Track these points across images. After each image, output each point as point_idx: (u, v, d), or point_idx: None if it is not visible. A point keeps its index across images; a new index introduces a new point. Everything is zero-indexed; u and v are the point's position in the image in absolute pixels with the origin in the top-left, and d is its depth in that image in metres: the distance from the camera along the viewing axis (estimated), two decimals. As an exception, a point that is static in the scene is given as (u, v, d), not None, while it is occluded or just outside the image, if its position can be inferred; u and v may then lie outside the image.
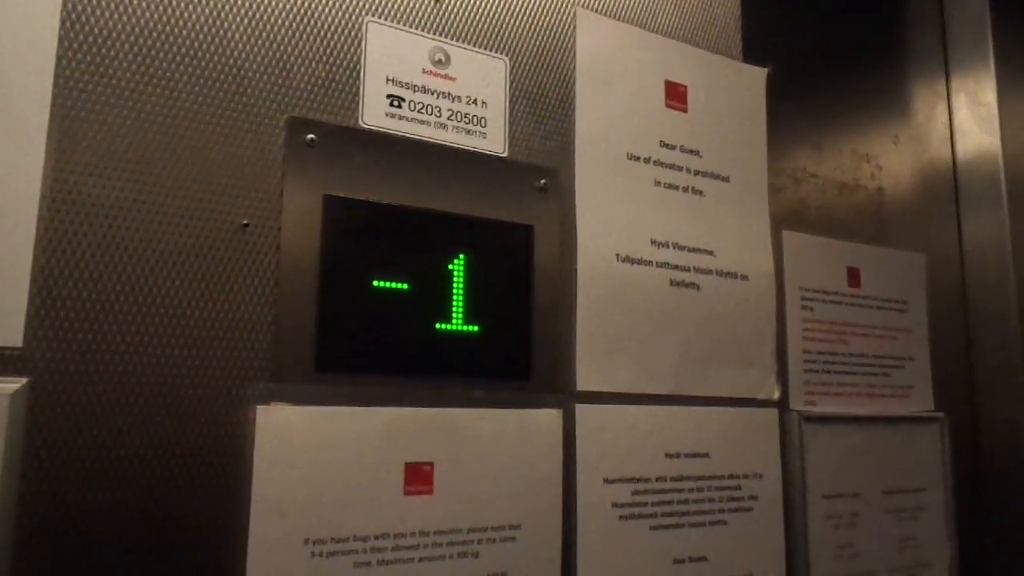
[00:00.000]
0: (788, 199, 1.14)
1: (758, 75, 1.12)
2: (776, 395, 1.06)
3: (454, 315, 0.82)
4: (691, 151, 1.03)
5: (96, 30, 0.69)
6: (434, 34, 0.87)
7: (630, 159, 0.98)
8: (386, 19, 0.84)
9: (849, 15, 1.29)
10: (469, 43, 0.89)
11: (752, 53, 1.12)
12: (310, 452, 0.73)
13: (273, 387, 0.72)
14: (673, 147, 1.02)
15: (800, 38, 1.21)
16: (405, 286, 0.80)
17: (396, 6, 0.85)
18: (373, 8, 0.83)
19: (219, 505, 0.69)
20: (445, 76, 0.86)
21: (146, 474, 0.67)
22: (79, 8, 0.69)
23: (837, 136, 1.23)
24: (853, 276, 1.19)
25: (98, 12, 0.69)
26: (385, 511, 0.76)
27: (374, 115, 0.82)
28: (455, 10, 0.88)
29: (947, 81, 1.39)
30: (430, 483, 0.79)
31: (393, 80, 0.83)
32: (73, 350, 0.65)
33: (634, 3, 1.02)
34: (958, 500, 1.22)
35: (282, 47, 0.78)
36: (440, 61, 0.86)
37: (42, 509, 0.63)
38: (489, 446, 0.83)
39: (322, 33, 0.80)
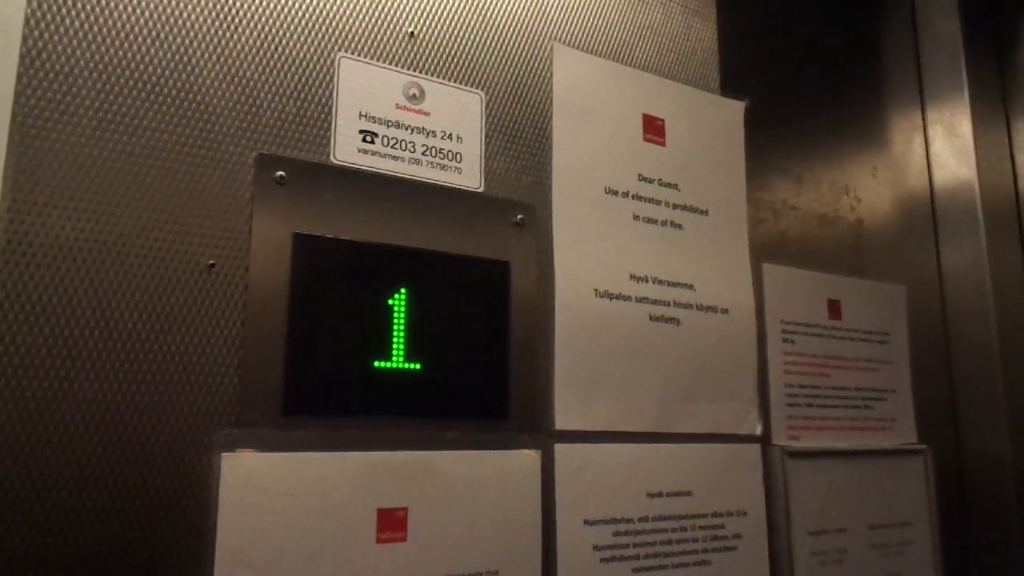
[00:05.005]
0: (768, 231, 1.14)
1: (736, 108, 1.12)
2: (758, 430, 1.05)
3: (428, 354, 0.80)
4: (669, 185, 1.03)
5: (57, 66, 0.67)
6: (408, 69, 0.85)
7: (608, 193, 0.97)
8: (359, 54, 0.83)
9: (825, 48, 1.30)
10: (444, 77, 0.88)
11: (730, 86, 1.12)
12: (278, 500, 0.70)
13: (239, 433, 0.70)
14: (651, 181, 1.01)
15: (777, 71, 1.22)
16: (377, 325, 0.78)
17: (369, 41, 0.84)
18: (345, 43, 0.82)
19: (182, 557, 0.66)
20: (419, 111, 0.85)
21: (104, 526, 0.64)
22: (39, 45, 0.67)
23: (816, 168, 1.23)
24: (834, 308, 1.18)
25: (59, 48, 0.68)
26: (357, 560, 0.73)
27: (346, 151, 0.80)
28: (429, 45, 0.88)
29: (923, 113, 1.40)
30: (404, 529, 0.76)
31: (366, 115, 0.82)
32: (27, 397, 0.62)
33: (611, 37, 1.02)
34: (943, 533, 1.21)
35: (251, 82, 0.76)
36: (414, 96, 0.85)
37: (-9, 567, 0.60)
38: (465, 489, 0.80)
39: (293, 68, 0.79)
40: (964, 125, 1.35)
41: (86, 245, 0.66)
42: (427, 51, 0.87)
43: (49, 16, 0.68)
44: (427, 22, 0.88)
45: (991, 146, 1.36)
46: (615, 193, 0.97)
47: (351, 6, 0.83)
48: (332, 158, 0.79)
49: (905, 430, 1.23)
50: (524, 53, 0.94)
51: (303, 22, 0.80)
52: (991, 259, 1.29)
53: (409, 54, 0.86)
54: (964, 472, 1.28)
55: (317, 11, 0.81)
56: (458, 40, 0.90)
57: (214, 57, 0.75)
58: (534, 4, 0.96)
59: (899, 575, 1.15)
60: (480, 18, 0.92)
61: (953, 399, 1.30)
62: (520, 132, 0.92)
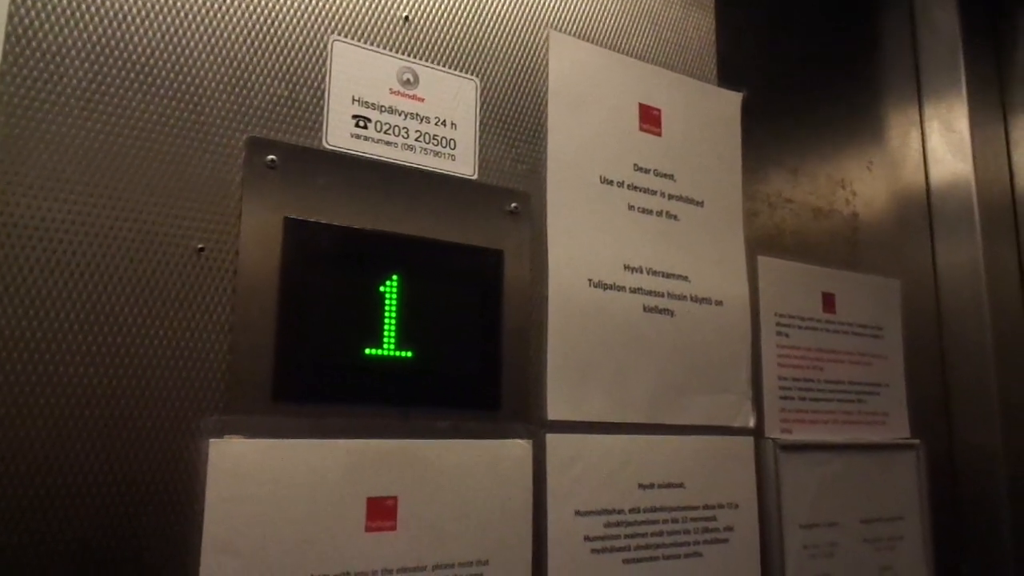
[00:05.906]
0: (763, 224, 1.13)
1: (733, 99, 1.11)
2: (751, 423, 1.04)
3: (420, 342, 0.79)
4: (665, 175, 1.02)
5: (44, 45, 0.66)
6: (402, 54, 0.84)
7: (603, 183, 0.96)
8: (353, 38, 0.82)
9: (824, 41, 1.29)
10: (439, 63, 0.87)
11: (727, 77, 1.11)
12: (266, 487, 0.69)
13: (227, 419, 0.69)
14: (647, 171, 1.00)
15: (775, 63, 1.21)
16: (368, 312, 0.77)
17: (363, 25, 0.83)
18: (339, 27, 0.81)
19: (168, 545, 0.66)
20: (413, 97, 0.84)
21: (90, 512, 0.63)
22: (26, 23, 0.66)
23: (812, 161, 1.22)
24: (828, 302, 1.18)
25: (47, 26, 0.66)
26: (346, 549, 0.72)
27: (339, 136, 0.79)
28: (424, 29, 0.87)
29: (920, 108, 1.39)
30: (393, 518, 0.75)
31: (359, 100, 0.81)
32: (12, 382, 0.61)
33: (608, 25, 1.01)
34: (935, 528, 1.21)
35: (243, 65, 0.75)
36: (408, 81, 0.84)
37: (-26, 551, 0.59)
38: (456, 479, 0.80)
39: (286, 51, 0.78)
40: (961, 121, 1.34)
41: (72, 227, 0.65)
42: (422, 36, 0.86)
43: (37, -6, 0.67)
44: (422, 6, 0.87)
45: (988, 142, 1.36)
46: (610, 183, 0.97)
47: (345, -11, 0.82)
48: (324, 143, 0.78)
49: (898, 424, 1.23)
50: (520, 40, 0.93)
51: (296, 4, 0.79)
52: (986, 255, 1.29)
53: (403, 39, 0.85)
54: (956, 467, 1.28)
55: (311, -6, 0.80)
56: (453, 25, 0.89)
57: (205, 38, 0.74)
58: (531, -9, 0.96)
59: (890, 569, 1.15)
60: (476, 3, 0.91)
61: (946, 394, 1.30)
62: (515, 120, 0.91)
